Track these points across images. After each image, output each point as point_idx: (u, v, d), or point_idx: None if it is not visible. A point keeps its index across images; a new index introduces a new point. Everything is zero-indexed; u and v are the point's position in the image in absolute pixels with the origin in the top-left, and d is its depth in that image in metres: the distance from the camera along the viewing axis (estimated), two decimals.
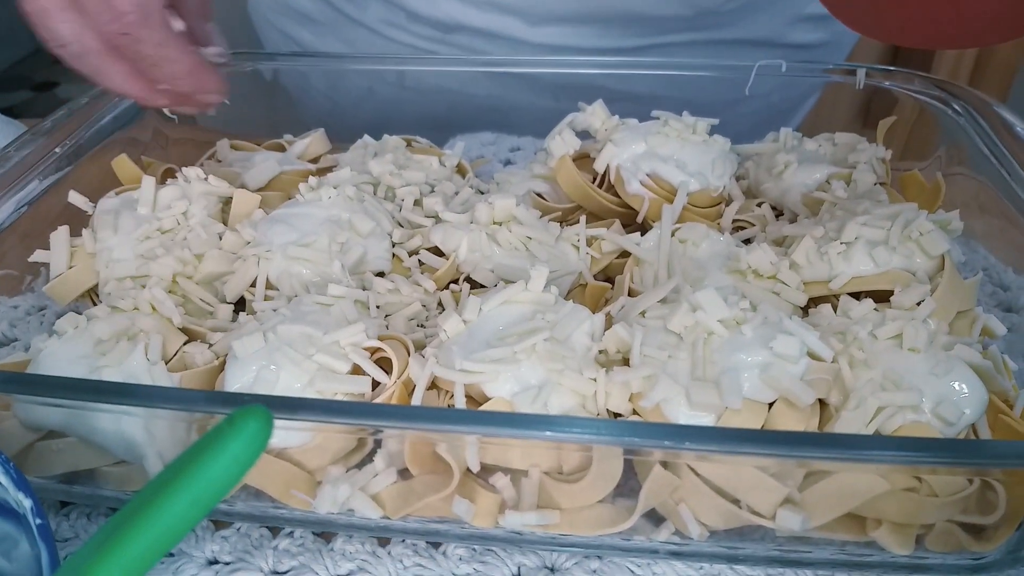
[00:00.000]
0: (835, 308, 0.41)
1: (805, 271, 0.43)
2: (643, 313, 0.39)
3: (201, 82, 0.45)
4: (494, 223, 0.48)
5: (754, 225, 0.51)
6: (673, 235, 0.47)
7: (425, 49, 0.74)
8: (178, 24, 0.44)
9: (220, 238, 0.49)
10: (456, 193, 0.55)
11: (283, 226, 0.47)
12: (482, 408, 0.36)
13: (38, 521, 0.29)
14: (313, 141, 0.62)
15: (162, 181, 0.52)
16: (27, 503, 0.29)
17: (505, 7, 0.69)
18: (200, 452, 0.22)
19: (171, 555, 0.38)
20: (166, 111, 0.60)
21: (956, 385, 0.36)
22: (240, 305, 0.47)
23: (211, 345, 0.41)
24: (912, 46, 0.42)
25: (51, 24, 0.41)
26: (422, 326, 0.43)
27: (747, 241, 0.49)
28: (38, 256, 0.48)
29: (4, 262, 0.50)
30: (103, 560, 0.22)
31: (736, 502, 0.34)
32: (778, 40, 0.71)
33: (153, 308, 0.42)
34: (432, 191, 0.54)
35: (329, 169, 0.58)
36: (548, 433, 0.31)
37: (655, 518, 0.36)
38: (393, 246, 0.49)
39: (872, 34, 0.41)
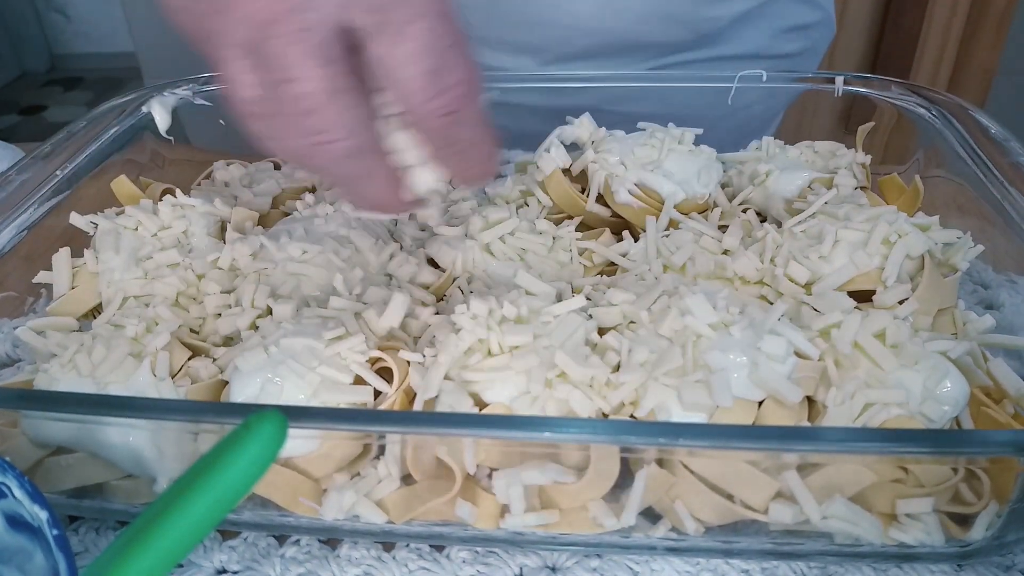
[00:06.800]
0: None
1: (789, 275, 0.45)
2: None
3: (494, 158, 0.37)
4: (487, 234, 0.49)
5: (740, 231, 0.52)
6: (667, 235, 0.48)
7: None
8: None
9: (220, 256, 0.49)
10: (450, 206, 0.56)
11: (282, 242, 0.48)
12: (482, 412, 0.37)
13: (55, 532, 0.29)
14: None
15: (160, 201, 0.53)
16: (43, 515, 0.30)
17: (518, 47, 0.70)
18: (218, 456, 0.23)
19: (180, 566, 0.39)
20: (163, 131, 0.61)
21: (939, 380, 0.37)
22: None
23: (215, 360, 0.42)
24: None
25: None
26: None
27: None
28: (41, 277, 0.49)
29: (6, 284, 0.50)
30: (125, 564, 0.23)
31: (730, 497, 0.35)
32: (764, 52, 0.73)
33: (157, 324, 0.43)
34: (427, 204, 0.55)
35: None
36: (547, 434, 0.32)
37: (652, 516, 0.37)
38: (391, 259, 0.50)
39: None
